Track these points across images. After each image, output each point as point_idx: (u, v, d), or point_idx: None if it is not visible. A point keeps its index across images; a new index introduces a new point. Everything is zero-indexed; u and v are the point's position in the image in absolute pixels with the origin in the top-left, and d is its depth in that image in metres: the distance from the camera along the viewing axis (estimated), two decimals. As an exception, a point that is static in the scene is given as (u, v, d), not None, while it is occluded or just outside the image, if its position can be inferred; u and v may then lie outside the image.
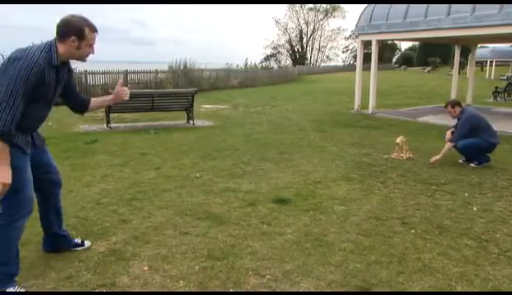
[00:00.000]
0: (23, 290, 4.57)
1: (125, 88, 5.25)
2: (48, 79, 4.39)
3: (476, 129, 10.14)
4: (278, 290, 4.67)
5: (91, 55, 4.70)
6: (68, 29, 4.42)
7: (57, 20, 4.50)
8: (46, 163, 5.12)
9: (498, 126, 10.23)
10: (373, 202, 7.54)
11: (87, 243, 5.61)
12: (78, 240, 5.58)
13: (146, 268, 5.06)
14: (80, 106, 5.23)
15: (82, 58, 4.67)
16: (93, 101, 5.30)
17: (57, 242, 5.42)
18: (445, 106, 10.64)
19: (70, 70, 4.92)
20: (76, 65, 5.77)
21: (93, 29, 4.55)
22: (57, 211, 5.37)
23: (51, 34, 4.53)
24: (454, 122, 10.88)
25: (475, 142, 10.05)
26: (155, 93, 17.16)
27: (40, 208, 5.27)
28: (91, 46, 4.60)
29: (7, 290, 4.47)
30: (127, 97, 5.26)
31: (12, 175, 4.26)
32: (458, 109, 10.40)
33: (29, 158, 4.61)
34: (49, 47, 4.41)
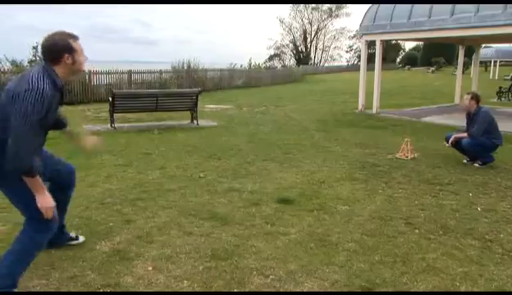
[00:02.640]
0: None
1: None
2: (55, 105, 4.43)
3: (489, 127, 10.12)
4: (282, 290, 4.67)
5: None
6: (58, 50, 4.38)
7: (44, 40, 4.44)
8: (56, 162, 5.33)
9: (502, 126, 10.23)
10: (377, 202, 7.54)
11: (81, 238, 5.72)
12: (73, 234, 5.69)
13: (150, 268, 5.06)
14: (57, 125, 5.16)
15: (81, 69, 4.66)
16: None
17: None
18: (467, 93, 10.48)
19: None
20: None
21: (76, 38, 4.54)
22: (64, 210, 5.50)
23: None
24: (460, 122, 10.83)
25: (481, 141, 10.03)
26: (159, 93, 17.15)
27: None
28: (82, 53, 4.57)
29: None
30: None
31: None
32: (475, 104, 10.32)
33: None
34: (48, 73, 4.32)
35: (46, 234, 4.71)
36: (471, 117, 10.39)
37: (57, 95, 4.39)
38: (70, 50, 4.40)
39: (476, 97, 10.41)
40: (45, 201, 4.37)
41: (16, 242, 4.70)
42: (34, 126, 4.06)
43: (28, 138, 4.06)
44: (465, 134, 10.27)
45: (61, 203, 5.14)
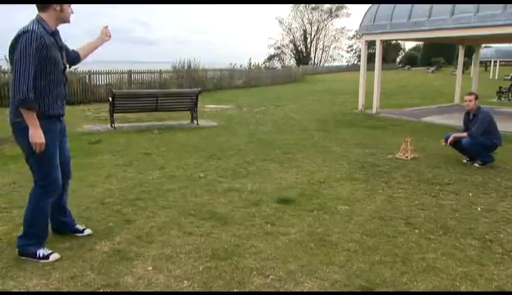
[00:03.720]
0: (50, 251, 5.22)
1: (107, 31, 5.90)
2: (50, 44, 4.90)
3: (489, 127, 10.13)
4: (282, 290, 4.67)
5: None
6: None
7: None
8: (61, 153, 5.43)
9: (502, 126, 10.25)
10: (377, 202, 7.54)
11: (87, 231, 5.91)
12: (80, 226, 5.96)
13: (150, 268, 5.06)
14: (74, 60, 5.69)
15: (67, 19, 5.16)
16: (82, 50, 5.77)
17: (60, 223, 5.90)
18: (469, 95, 10.47)
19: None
20: (78, 65, 5.91)
21: None
22: (61, 203, 5.75)
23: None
24: (459, 122, 10.84)
25: (481, 140, 10.04)
26: (159, 93, 17.15)
27: None
28: (68, 5, 5.10)
29: (38, 251, 5.22)
30: (109, 38, 5.92)
31: (43, 152, 5.07)
32: (477, 103, 10.33)
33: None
34: (39, 21, 4.92)
35: (46, 201, 5.34)
36: (471, 117, 10.39)
37: (49, 37, 4.93)
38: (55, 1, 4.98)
39: (477, 97, 10.45)
40: (36, 135, 4.93)
41: (28, 203, 5.37)
42: (32, 62, 4.72)
43: (25, 72, 4.70)
44: (464, 134, 10.27)
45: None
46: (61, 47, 5.22)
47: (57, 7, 5.00)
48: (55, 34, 5.09)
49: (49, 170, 5.25)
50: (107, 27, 5.89)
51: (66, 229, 5.87)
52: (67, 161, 5.64)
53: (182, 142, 12.86)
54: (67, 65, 5.40)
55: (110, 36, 5.91)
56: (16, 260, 5.23)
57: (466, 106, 10.48)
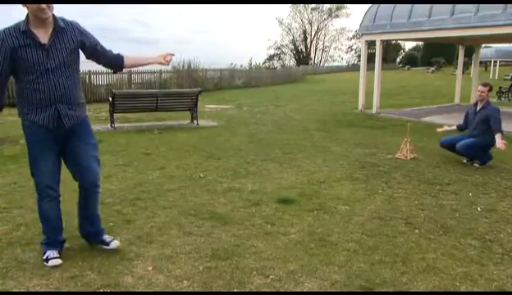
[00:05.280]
0: (57, 255, 5.15)
1: (168, 58, 5.53)
2: (18, 45, 4.64)
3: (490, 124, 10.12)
4: (282, 290, 4.68)
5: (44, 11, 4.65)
6: None
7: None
8: (75, 158, 5.22)
9: (503, 126, 10.19)
10: (377, 202, 7.55)
11: (114, 244, 5.51)
12: (108, 238, 5.58)
13: (150, 268, 5.06)
14: (111, 63, 5.41)
15: (37, 14, 4.64)
16: (130, 58, 5.48)
17: (86, 232, 5.62)
18: (483, 85, 10.39)
19: (77, 33, 4.99)
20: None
21: None
22: (86, 212, 5.51)
23: None
24: (460, 122, 10.84)
25: (475, 142, 10.07)
26: (159, 93, 17.12)
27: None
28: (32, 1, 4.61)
29: (46, 252, 5.20)
30: (169, 63, 5.60)
31: (27, 150, 5.06)
32: (489, 95, 10.31)
33: (54, 139, 5.00)
34: (23, 20, 4.71)
35: (40, 204, 5.28)
36: (477, 109, 10.34)
37: (23, 38, 4.66)
38: None
39: (491, 89, 10.42)
40: None
41: None
42: None
43: None
44: (499, 135, 10.05)
45: (81, 192, 5.40)
46: (43, 46, 4.73)
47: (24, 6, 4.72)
48: (30, 34, 4.69)
49: (32, 172, 5.21)
50: (172, 55, 5.60)
51: (91, 239, 5.61)
52: (87, 166, 5.23)
53: (182, 142, 12.86)
54: (54, 68, 4.87)
55: (168, 63, 5.64)
56: (16, 261, 5.24)
57: (478, 96, 10.40)
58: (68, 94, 4.92)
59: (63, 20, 4.90)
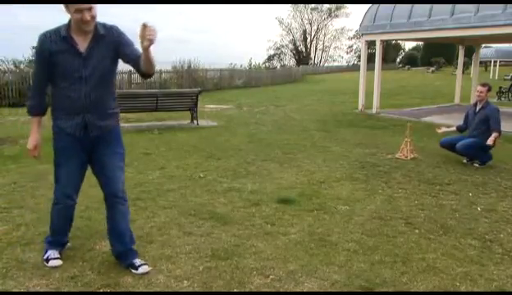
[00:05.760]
0: (57, 255, 5.13)
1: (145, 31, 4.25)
2: (56, 51, 4.52)
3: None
4: (282, 290, 4.69)
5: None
6: None
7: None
8: (101, 167, 5.04)
9: (503, 126, 10.20)
10: (377, 202, 7.55)
11: (143, 269, 5.00)
12: (138, 261, 5.09)
13: (149, 268, 5.05)
14: (142, 73, 4.98)
15: (80, 26, 4.48)
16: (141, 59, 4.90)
17: (117, 252, 5.23)
18: (482, 85, 10.42)
19: (116, 40, 4.75)
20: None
21: None
22: (113, 227, 5.22)
23: None
24: (460, 122, 10.85)
25: (475, 142, 10.06)
26: (159, 93, 17.08)
27: None
28: (77, 11, 4.35)
29: (47, 251, 5.22)
30: (153, 37, 4.28)
31: (53, 154, 4.95)
32: (488, 95, 10.31)
33: (81, 147, 4.86)
34: (64, 24, 4.58)
35: (54, 208, 5.18)
36: (477, 110, 10.36)
37: (61, 44, 4.54)
38: (66, 6, 4.42)
39: (490, 89, 10.43)
40: (29, 140, 4.98)
41: None
42: (35, 71, 4.90)
43: (32, 79, 4.99)
44: (495, 134, 10.09)
45: (106, 205, 5.23)
46: (79, 53, 4.55)
47: (67, 9, 4.43)
48: (71, 40, 4.53)
49: (56, 177, 5.05)
50: (145, 26, 4.21)
51: (122, 259, 5.16)
52: (111, 176, 5.03)
53: (182, 143, 12.87)
54: (89, 76, 4.63)
55: (150, 38, 4.27)
56: (16, 260, 5.24)
57: (477, 96, 10.43)
58: (98, 104, 4.76)
59: (104, 25, 4.73)
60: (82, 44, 4.58)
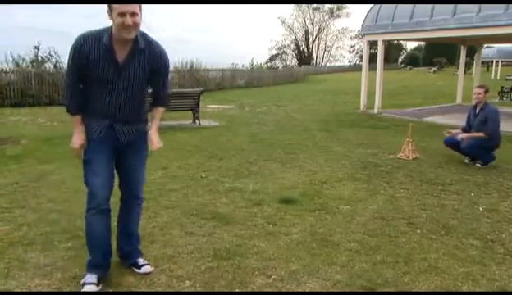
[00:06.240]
0: (95, 280, 4.65)
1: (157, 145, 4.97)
2: (94, 58, 4.36)
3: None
4: (284, 290, 4.69)
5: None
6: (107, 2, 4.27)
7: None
8: (125, 168, 4.94)
9: (504, 126, 10.26)
10: (379, 202, 7.54)
11: (145, 269, 5.03)
12: (141, 261, 5.12)
13: (152, 268, 5.04)
14: (155, 99, 4.99)
15: (120, 32, 4.29)
16: (155, 112, 5.05)
17: (123, 252, 5.24)
18: (479, 87, 10.43)
19: (153, 57, 4.58)
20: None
21: None
22: (126, 228, 5.21)
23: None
24: (461, 122, 10.85)
25: (480, 142, 10.03)
26: (161, 93, 17.08)
27: None
28: (120, 15, 4.18)
29: (86, 274, 4.72)
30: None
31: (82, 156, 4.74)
32: (486, 96, 10.31)
33: (109, 148, 4.69)
34: (104, 29, 4.42)
35: (87, 214, 4.76)
36: (477, 112, 10.37)
37: (101, 51, 4.36)
38: (110, 7, 4.26)
39: (488, 90, 10.42)
40: (73, 139, 4.69)
41: None
42: (69, 72, 4.57)
43: (65, 81, 4.73)
44: (481, 134, 10.14)
45: (122, 205, 5.19)
46: (116, 63, 4.42)
47: (110, 15, 4.29)
48: (113, 49, 4.38)
49: (84, 175, 4.72)
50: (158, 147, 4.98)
51: (126, 259, 5.18)
52: (134, 177, 5.00)
53: (184, 143, 12.89)
54: (121, 85, 4.55)
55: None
56: (17, 261, 5.25)
57: (474, 98, 10.44)
58: (130, 114, 4.68)
59: (145, 38, 4.54)
60: (120, 54, 4.44)
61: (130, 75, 4.51)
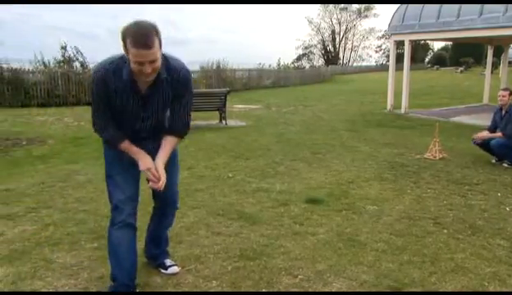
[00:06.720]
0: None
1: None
2: (117, 90, 4.02)
3: None
4: (311, 290, 4.69)
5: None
6: (121, 37, 3.79)
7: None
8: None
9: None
10: (406, 202, 7.53)
11: (172, 270, 5.00)
12: (169, 262, 5.09)
13: (179, 268, 5.06)
14: (168, 129, 4.45)
15: (138, 75, 3.95)
16: (167, 142, 4.42)
17: (151, 254, 5.20)
18: (504, 90, 10.39)
19: (176, 85, 4.22)
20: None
21: (134, 45, 3.70)
22: (157, 233, 5.13)
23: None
24: (488, 122, 10.79)
25: (508, 142, 9.96)
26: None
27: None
28: (136, 63, 3.78)
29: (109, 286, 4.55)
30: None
31: (105, 168, 4.47)
32: (510, 99, 10.24)
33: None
34: (123, 59, 3.95)
35: (110, 229, 4.50)
36: (503, 114, 10.31)
37: (121, 84, 3.98)
38: (124, 45, 3.78)
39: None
40: (140, 164, 4.21)
41: None
42: (96, 101, 4.10)
43: (92, 112, 4.18)
44: (499, 134, 10.14)
45: (157, 211, 5.08)
46: (137, 94, 4.11)
47: (127, 54, 3.85)
48: (132, 82, 4.01)
49: (108, 189, 4.48)
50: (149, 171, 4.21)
51: (154, 262, 5.14)
52: (170, 183, 4.49)
53: (211, 143, 12.95)
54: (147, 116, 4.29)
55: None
56: (44, 261, 5.28)
57: (499, 100, 10.39)
58: (156, 134, 4.42)
59: (168, 67, 4.11)
60: (143, 86, 4.09)
61: (154, 105, 4.26)
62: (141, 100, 4.15)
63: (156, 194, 4.82)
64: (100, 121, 4.19)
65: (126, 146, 4.23)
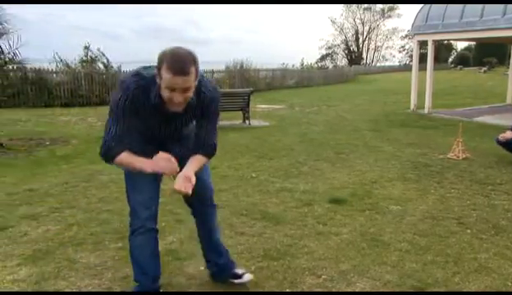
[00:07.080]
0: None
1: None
2: (145, 109, 3.81)
3: None
4: (334, 290, 4.70)
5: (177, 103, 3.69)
6: (158, 61, 3.57)
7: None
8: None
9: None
10: (429, 202, 7.52)
11: (247, 277, 4.77)
12: (240, 270, 4.83)
13: (202, 268, 5.07)
14: (195, 148, 4.19)
15: (167, 103, 3.72)
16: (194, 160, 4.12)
17: (215, 267, 4.89)
18: None
19: (204, 109, 4.00)
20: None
21: (170, 70, 3.47)
22: (207, 237, 4.86)
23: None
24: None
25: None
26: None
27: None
28: (168, 90, 3.56)
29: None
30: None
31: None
32: None
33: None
34: (152, 78, 3.68)
35: (130, 237, 4.34)
36: None
37: (149, 104, 3.75)
38: (159, 70, 3.55)
39: None
40: (147, 166, 3.80)
41: None
42: (116, 117, 3.72)
43: (107, 124, 3.77)
44: None
45: (197, 213, 4.95)
46: (165, 114, 3.88)
47: (159, 80, 3.62)
48: (159, 105, 3.76)
49: (127, 192, 4.37)
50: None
51: (222, 273, 4.83)
52: (203, 180, 4.50)
53: (234, 143, 13.00)
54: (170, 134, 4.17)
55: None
56: (67, 261, 5.32)
57: None
58: (183, 144, 4.27)
59: (198, 92, 3.85)
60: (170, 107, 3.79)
61: (180, 123, 4.08)
62: (167, 120, 3.99)
63: (189, 199, 4.69)
64: (113, 136, 3.76)
65: (133, 160, 3.82)
